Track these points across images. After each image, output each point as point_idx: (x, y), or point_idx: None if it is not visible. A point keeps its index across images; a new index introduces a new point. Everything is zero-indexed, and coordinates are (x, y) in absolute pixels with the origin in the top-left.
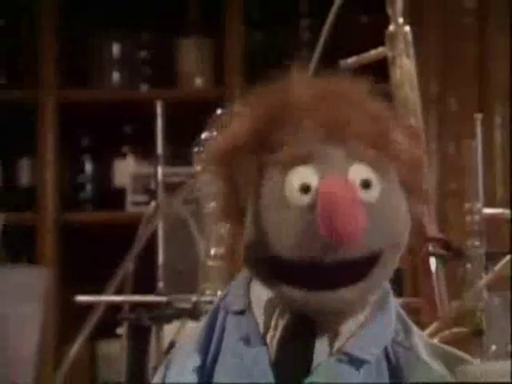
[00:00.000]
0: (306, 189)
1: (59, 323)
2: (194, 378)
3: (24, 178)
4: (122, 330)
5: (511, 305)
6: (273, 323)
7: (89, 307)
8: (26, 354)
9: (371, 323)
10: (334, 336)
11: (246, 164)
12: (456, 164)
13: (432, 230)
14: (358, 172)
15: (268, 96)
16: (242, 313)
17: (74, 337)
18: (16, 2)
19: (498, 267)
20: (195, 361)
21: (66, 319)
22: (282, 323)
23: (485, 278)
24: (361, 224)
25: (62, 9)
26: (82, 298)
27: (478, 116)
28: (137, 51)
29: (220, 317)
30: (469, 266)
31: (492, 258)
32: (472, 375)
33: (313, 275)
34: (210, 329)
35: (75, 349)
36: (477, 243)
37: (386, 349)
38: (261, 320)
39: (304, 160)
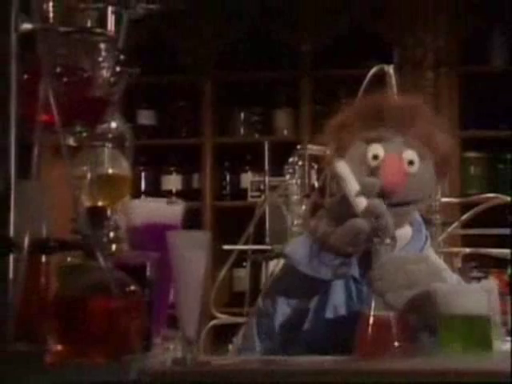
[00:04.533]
0: (376, 157)
1: (214, 261)
2: None
3: (195, 184)
4: (247, 264)
5: None
6: None
7: (230, 252)
8: (201, 278)
9: (411, 242)
10: (394, 242)
11: (345, 135)
12: None
13: None
14: (408, 154)
15: (370, 99)
16: None
17: (221, 267)
18: (192, 87)
19: (448, 230)
20: None
21: (218, 259)
22: None
23: (441, 236)
24: (403, 180)
25: (216, 91)
26: (226, 247)
27: None
28: (252, 117)
29: None
30: (433, 228)
31: (444, 225)
32: (452, 290)
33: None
34: None
35: (222, 274)
36: (437, 217)
37: None
38: None
39: (378, 140)
